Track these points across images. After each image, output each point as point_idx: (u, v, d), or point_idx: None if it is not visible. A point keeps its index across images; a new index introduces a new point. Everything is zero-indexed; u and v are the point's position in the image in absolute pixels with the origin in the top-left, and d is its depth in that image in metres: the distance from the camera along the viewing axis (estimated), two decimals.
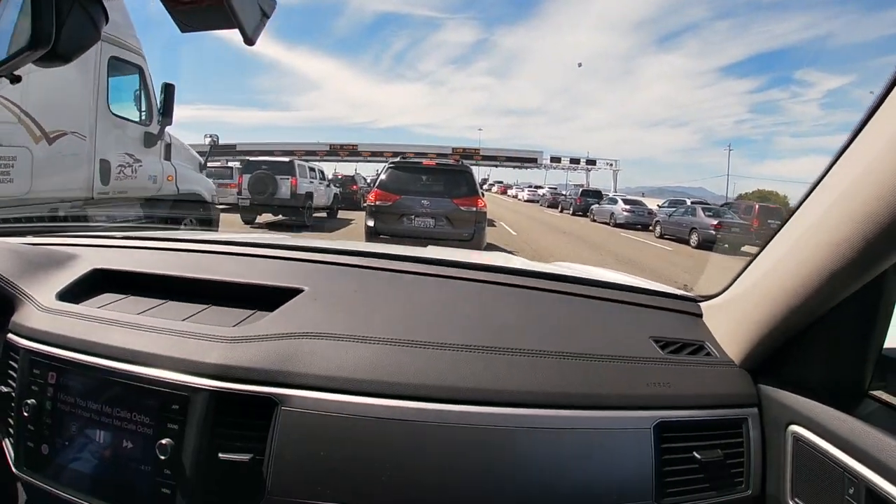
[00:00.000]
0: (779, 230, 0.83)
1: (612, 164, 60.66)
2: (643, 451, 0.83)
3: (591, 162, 60.45)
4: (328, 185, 15.69)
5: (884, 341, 0.82)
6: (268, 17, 0.76)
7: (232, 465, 0.81)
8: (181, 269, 1.17)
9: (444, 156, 43.72)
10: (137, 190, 5.73)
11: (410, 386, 0.84)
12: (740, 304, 0.94)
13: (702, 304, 1.12)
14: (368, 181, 22.40)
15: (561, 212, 30.05)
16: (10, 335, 1.04)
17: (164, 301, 1.09)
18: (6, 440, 0.99)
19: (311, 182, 13.85)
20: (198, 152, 7.49)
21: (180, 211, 6.37)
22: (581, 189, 32.42)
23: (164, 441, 0.83)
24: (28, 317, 1.04)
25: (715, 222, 14.88)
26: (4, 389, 0.99)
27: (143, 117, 5.82)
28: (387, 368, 0.86)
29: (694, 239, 15.19)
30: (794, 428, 0.83)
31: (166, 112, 5.86)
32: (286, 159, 13.79)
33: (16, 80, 0.74)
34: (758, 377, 0.94)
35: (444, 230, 7.11)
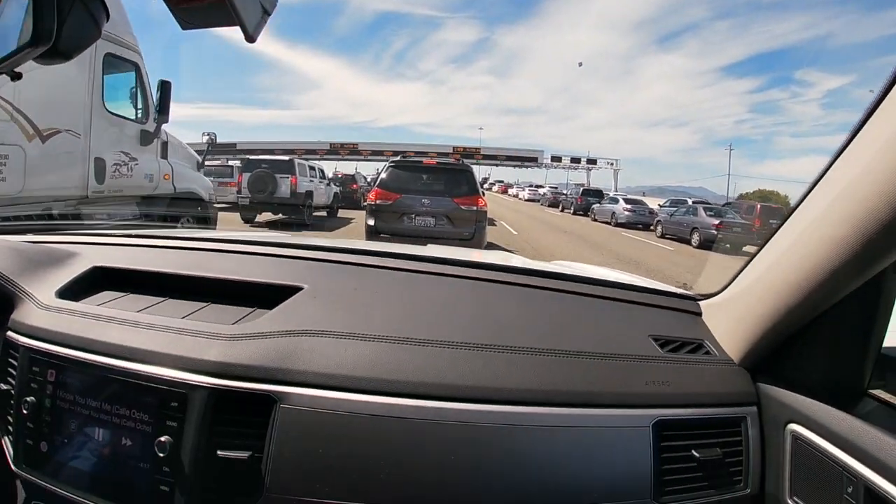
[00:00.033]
0: (778, 229, 0.83)
1: (612, 164, 60.57)
2: (642, 450, 0.83)
3: (592, 161, 60.37)
4: (328, 184, 15.63)
5: (883, 340, 0.81)
6: (269, 15, 0.75)
7: (230, 463, 0.81)
8: (181, 266, 1.17)
9: (445, 155, 43.71)
10: (133, 189, 5.66)
11: (409, 384, 0.84)
12: (739, 303, 0.94)
13: (701, 303, 1.12)
14: (369, 180, 22.33)
15: (562, 211, 29.99)
16: (9, 333, 1.04)
17: (163, 299, 1.09)
18: (5, 438, 0.99)
19: (311, 181, 13.79)
20: (197, 151, 7.40)
21: (177, 210, 6.31)
22: (582, 188, 32.34)
23: (162, 438, 0.83)
24: (28, 314, 1.04)
25: (717, 222, 14.82)
26: (4, 387, 0.99)
27: (140, 115, 5.75)
28: (386, 366, 0.86)
29: (696, 239, 15.12)
30: (793, 426, 0.83)
31: (163, 110, 5.78)
32: (286, 158, 13.71)
33: (16, 77, 0.73)
34: (757, 376, 0.94)
35: (445, 229, 7.08)
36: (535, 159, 60.88)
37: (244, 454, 0.80)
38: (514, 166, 63.42)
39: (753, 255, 0.91)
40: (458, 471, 0.79)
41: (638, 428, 0.85)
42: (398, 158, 8.00)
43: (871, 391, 0.84)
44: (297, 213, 12.75)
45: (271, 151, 34.13)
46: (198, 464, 0.82)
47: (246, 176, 12.54)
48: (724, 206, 18.75)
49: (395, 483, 0.79)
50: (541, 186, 47.91)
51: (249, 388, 0.84)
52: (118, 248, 1.36)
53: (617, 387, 0.88)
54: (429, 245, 1.79)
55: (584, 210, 26.10)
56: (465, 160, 9.16)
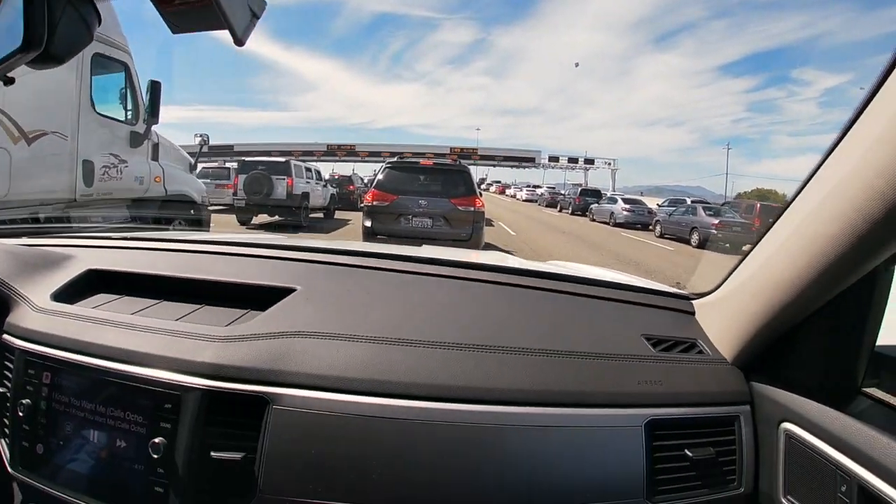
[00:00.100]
0: (770, 227, 0.83)
1: (610, 164, 60.54)
2: (635, 449, 0.83)
3: (590, 161, 60.34)
4: (325, 186, 15.54)
5: (876, 338, 0.81)
6: (258, 18, 0.75)
7: (224, 464, 0.81)
8: (175, 269, 1.18)
9: (442, 155, 43.66)
10: (123, 191, 5.54)
11: (401, 384, 0.84)
12: (732, 302, 0.94)
13: (694, 302, 1.12)
14: (366, 181, 22.23)
15: (560, 211, 29.88)
16: (4, 336, 1.04)
17: (157, 301, 1.10)
18: (1, 440, 1.00)
19: (308, 182, 13.70)
20: (192, 153, 7.28)
21: (169, 212, 6.19)
22: (580, 188, 32.23)
23: (157, 440, 0.83)
24: (23, 317, 1.04)
25: (716, 221, 14.70)
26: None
27: (129, 116, 5.63)
28: (378, 367, 0.86)
29: (695, 238, 15.03)
30: (787, 425, 0.83)
31: (153, 111, 5.65)
32: (282, 159, 13.64)
33: (9, 81, 0.73)
34: (750, 375, 0.94)
35: (442, 230, 7.06)
36: (532, 159, 60.84)
37: (237, 455, 0.81)
38: (512, 167, 63.39)
39: (746, 254, 0.91)
40: (451, 471, 0.79)
41: (630, 427, 0.84)
42: (395, 159, 7.99)
43: (864, 390, 0.82)
44: (293, 215, 12.65)
45: (268, 153, 34.01)
46: (191, 465, 0.82)
47: (242, 177, 12.43)
48: (723, 205, 18.67)
49: (387, 483, 0.79)
50: (538, 187, 47.91)
51: (242, 390, 0.84)
52: (113, 251, 1.36)
53: (609, 386, 0.88)
54: (423, 246, 1.77)
55: (582, 210, 25.97)
56: (463, 161, 9.10)
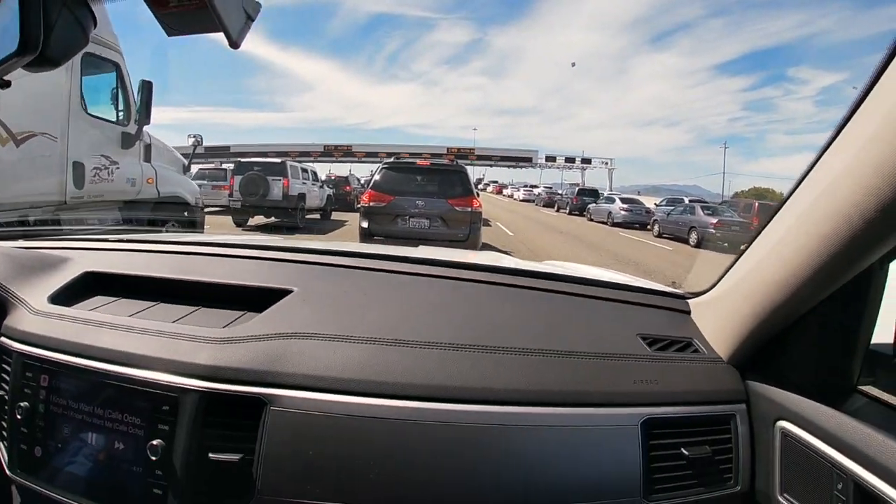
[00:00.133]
0: (765, 226, 0.83)
1: (607, 163, 60.51)
2: (631, 448, 0.83)
3: (587, 161, 60.28)
4: (321, 187, 15.43)
5: (871, 336, 0.81)
6: (252, 20, 0.75)
7: (222, 465, 0.81)
8: (172, 271, 1.18)
9: (439, 156, 43.55)
10: (115, 193, 5.44)
11: (398, 385, 0.84)
12: (728, 301, 0.94)
13: (690, 301, 1.12)
14: (362, 182, 22.14)
15: (557, 211, 29.81)
16: (2, 338, 1.04)
17: (154, 303, 1.10)
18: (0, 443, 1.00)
19: (304, 183, 13.59)
20: (185, 154, 7.17)
21: (162, 214, 6.09)
22: (578, 188, 32.16)
23: (154, 442, 0.83)
24: (20, 320, 1.04)
25: (714, 221, 14.65)
26: None
27: (121, 117, 5.52)
28: (374, 368, 0.86)
29: (693, 238, 14.96)
30: (783, 424, 0.83)
31: (144, 111, 5.56)
32: (278, 160, 13.56)
33: (5, 85, 0.73)
34: (746, 373, 0.94)
35: (439, 231, 7.04)
36: (529, 159, 60.74)
37: (235, 456, 0.81)
38: (509, 167, 63.28)
39: (741, 253, 0.90)
40: (447, 471, 0.80)
41: (626, 426, 0.85)
42: (392, 160, 7.98)
43: (860, 387, 0.83)
44: (289, 217, 12.55)
45: (265, 154, 33.87)
46: (189, 466, 0.82)
47: (237, 179, 12.32)
48: (721, 204, 18.64)
49: (384, 484, 0.79)
50: (535, 186, 47.98)
51: (239, 391, 0.84)
52: (109, 253, 1.36)
53: (605, 386, 0.88)
54: (420, 247, 1.78)
55: (579, 210, 25.90)
56: (460, 161, 9.05)
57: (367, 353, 0.89)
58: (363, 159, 54.75)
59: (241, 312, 1.04)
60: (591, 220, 22.67)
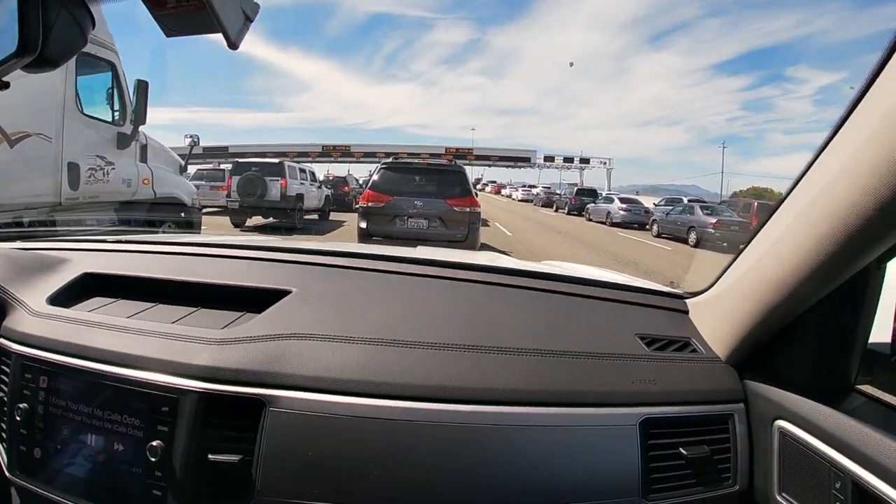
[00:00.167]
0: (762, 226, 0.83)
1: (605, 163, 60.54)
2: (629, 448, 0.84)
3: (585, 161, 60.31)
4: (319, 187, 15.39)
5: (869, 335, 0.81)
6: (251, 21, 0.75)
7: (221, 466, 0.81)
8: (170, 272, 1.18)
9: (438, 156, 43.51)
10: (110, 194, 5.40)
11: (397, 385, 0.84)
12: (725, 301, 0.95)
13: (688, 301, 1.13)
14: (361, 182, 22.10)
15: (556, 211, 29.81)
16: (1, 339, 1.04)
17: (153, 304, 1.10)
18: None
19: (302, 183, 13.55)
20: (182, 155, 7.12)
21: (158, 215, 6.05)
22: (576, 188, 32.14)
23: (154, 443, 0.83)
24: (19, 321, 1.04)
25: (714, 220, 14.63)
26: None
27: (117, 117, 5.48)
28: (374, 368, 0.86)
29: (693, 238, 14.94)
30: (781, 423, 0.83)
31: (140, 111, 5.51)
32: (276, 160, 13.49)
33: (4, 86, 0.73)
34: (744, 373, 0.94)
35: (438, 231, 7.02)
36: (527, 159, 60.76)
37: (235, 457, 0.81)
38: (507, 166, 63.29)
39: (739, 253, 0.91)
40: (447, 471, 0.80)
41: (625, 426, 0.85)
42: (390, 160, 7.98)
43: (857, 387, 0.83)
44: (287, 217, 12.51)
45: (263, 154, 33.86)
46: (189, 468, 0.82)
47: (235, 179, 12.26)
48: (720, 203, 18.63)
49: (383, 484, 0.79)
50: (534, 186, 47.88)
51: (239, 392, 0.84)
52: (108, 255, 1.36)
53: (604, 386, 0.89)
54: (418, 247, 1.78)
55: (578, 210, 25.88)
56: (458, 161, 9.04)
57: (366, 354, 0.89)
58: (362, 159, 54.70)
59: (240, 313, 1.04)
60: (590, 220, 22.65)
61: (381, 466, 0.79)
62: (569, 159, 60.73)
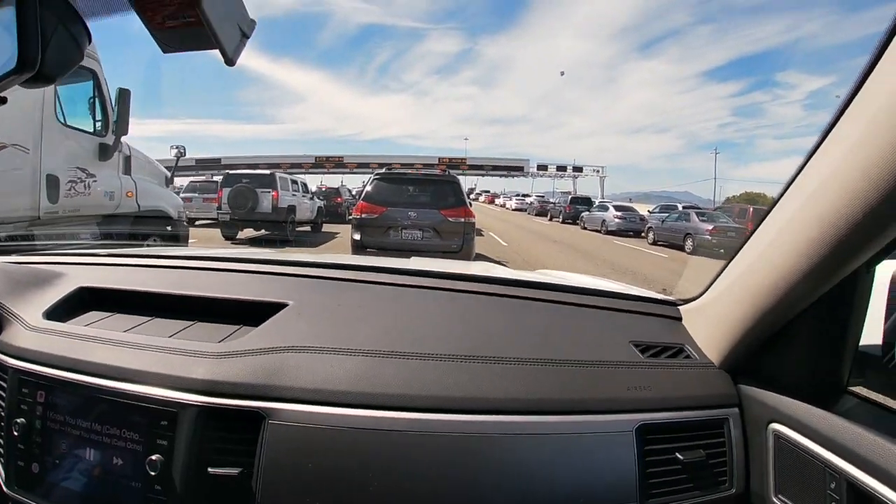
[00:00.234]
0: (753, 232, 0.85)
1: (598, 171, 60.83)
2: (626, 454, 0.84)
3: (578, 169, 60.64)
4: (312, 199, 15.25)
5: (860, 338, 0.82)
6: (247, 38, 0.75)
7: (221, 479, 0.81)
8: (166, 285, 1.18)
9: (431, 166, 43.58)
10: (92, 208, 5.18)
11: (395, 396, 0.85)
12: (718, 307, 0.96)
13: (681, 308, 1.14)
14: (354, 193, 21.96)
15: (550, 220, 29.72)
16: None
17: (150, 318, 1.09)
18: None
19: (294, 195, 13.39)
20: (168, 167, 6.93)
21: (143, 228, 5.85)
22: (571, 196, 32.17)
23: (153, 457, 0.83)
24: (15, 336, 1.04)
25: (710, 227, 14.58)
26: None
27: (98, 127, 5.28)
28: (371, 380, 0.87)
29: (689, 245, 14.87)
30: (775, 426, 0.84)
31: (121, 121, 5.31)
32: (267, 172, 13.37)
33: (1, 101, 0.71)
34: (738, 377, 0.95)
35: (432, 242, 6.95)
36: (521, 168, 61.01)
37: (234, 470, 0.81)
38: (501, 176, 63.55)
39: (730, 259, 0.92)
40: (445, 481, 0.80)
41: (621, 433, 0.85)
42: (383, 171, 7.89)
43: (850, 388, 0.84)
44: (279, 229, 12.36)
45: (256, 166, 33.71)
46: (189, 481, 0.82)
47: (226, 191, 12.05)
48: (715, 209, 18.60)
49: (383, 495, 0.79)
50: (528, 195, 47.95)
51: (238, 405, 0.85)
52: (103, 268, 1.36)
53: (599, 393, 0.89)
54: (413, 258, 1.80)
55: (572, 218, 25.80)
56: (451, 171, 8.94)
57: (364, 366, 0.89)
58: (355, 170, 54.80)
59: (237, 327, 1.04)
60: (585, 228, 22.58)
61: (380, 477, 0.79)
62: (562, 168, 61.05)
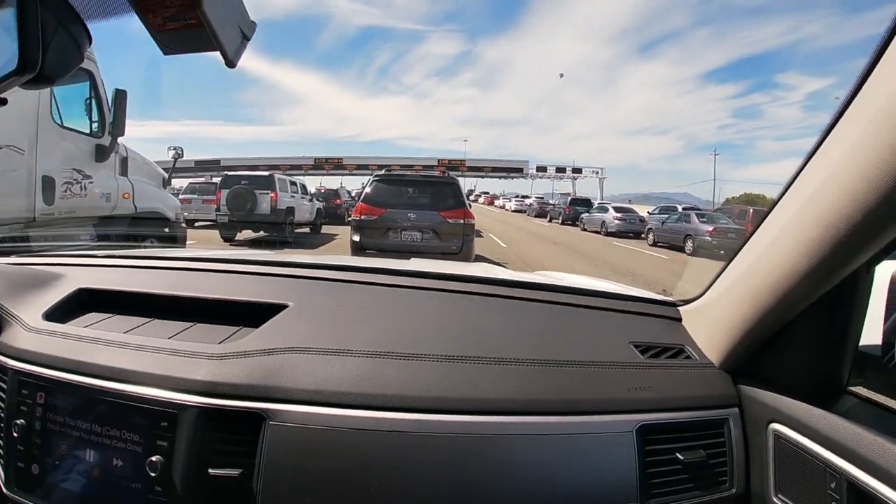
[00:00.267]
0: (753, 232, 0.85)
1: (598, 172, 60.80)
2: (627, 454, 0.84)
3: (577, 170, 60.58)
4: (311, 200, 15.20)
5: (860, 338, 0.82)
6: (248, 40, 0.74)
7: (222, 481, 0.81)
8: (166, 287, 1.18)
9: (430, 168, 43.55)
10: (88, 209, 5.13)
11: (395, 397, 0.85)
12: (718, 307, 0.96)
13: (681, 308, 1.14)
14: (353, 194, 21.91)
15: (549, 221, 29.69)
16: None
17: (149, 319, 1.10)
18: None
19: (293, 197, 13.33)
20: (166, 168, 6.88)
21: (140, 230, 5.79)
22: (570, 198, 32.16)
23: (153, 458, 0.83)
24: (15, 337, 1.04)
25: (711, 228, 14.56)
26: None
27: (95, 128, 5.23)
28: (372, 381, 0.87)
29: (689, 246, 14.83)
30: (775, 426, 0.84)
31: (118, 122, 5.25)
32: (266, 173, 13.28)
33: (1, 102, 0.71)
34: (738, 378, 0.95)
35: (432, 244, 6.94)
36: (520, 170, 60.97)
37: (235, 472, 0.81)
38: (500, 177, 63.50)
39: (730, 260, 0.92)
40: (447, 482, 0.80)
41: (622, 433, 0.86)
42: (383, 172, 7.89)
43: (850, 388, 0.84)
44: (278, 231, 12.32)
45: (255, 167, 33.67)
46: (189, 483, 0.82)
47: (224, 193, 11.99)
48: (716, 211, 18.58)
49: (384, 496, 0.79)
50: (527, 197, 47.92)
51: (238, 407, 0.84)
52: (103, 269, 1.36)
53: (600, 394, 0.90)
54: (412, 259, 1.80)
55: (572, 220, 25.78)
56: (451, 172, 8.93)
57: (364, 367, 0.89)
58: (354, 172, 54.73)
59: (237, 328, 1.04)
60: (585, 229, 22.56)
61: (381, 478, 0.79)
62: (561, 169, 60.98)
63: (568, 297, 1.18)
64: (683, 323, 1.10)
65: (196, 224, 14.50)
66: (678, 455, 0.86)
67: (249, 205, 11.76)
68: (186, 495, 0.82)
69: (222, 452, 0.83)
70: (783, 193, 0.76)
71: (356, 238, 7.01)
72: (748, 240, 0.86)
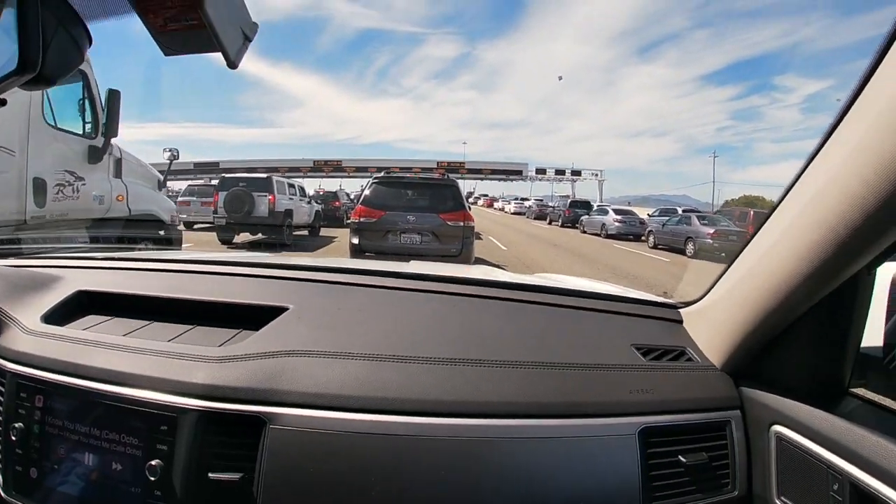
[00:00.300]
0: (754, 235, 0.85)
1: (597, 175, 60.81)
2: (629, 457, 0.84)
3: (577, 173, 60.61)
4: (309, 202, 15.13)
5: (861, 340, 0.82)
6: (250, 41, 0.74)
7: (222, 484, 0.80)
8: (165, 289, 1.17)
9: (430, 170, 43.52)
10: (81, 212, 5.03)
11: (396, 401, 0.84)
12: (719, 309, 0.96)
13: (682, 311, 1.13)
14: (352, 197, 21.84)
15: (549, 223, 29.65)
16: None
17: (149, 322, 1.09)
18: None
19: (291, 199, 13.26)
20: (161, 171, 6.79)
21: (135, 233, 5.70)
22: (570, 200, 32.14)
23: (153, 462, 0.83)
24: (13, 340, 1.03)
25: (711, 230, 14.51)
26: None
27: (88, 129, 5.13)
28: (372, 384, 0.86)
29: (690, 248, 14.79)
30: (777, 428, 0.84)
31: (111, 123, 5.16)
32: (263, 175, 13.20)
33: (1, 103, 0.71)
34: (739, 380, 0.95)
35: (431, 246, 6.90)
36: (519, 172, 60.99)
37: (235, 476, 0.80)
38: (499, 180, 63.52)
39: (731, 262, 0.92)
40: (448, 485, 0.79)
41: (624, 436, 0.85)
42: (382, 175, 7.89)
43: (852, 390, 0.84)
44: (276, 233, 12.22)
45: (254, 170, 33.56)
46: (189, 486, 0.81)
47: (222, 195, 11.91)
48: (716, 213, 18.53)
49: (385, 499, 0.78)
50: (526, 199, 47.95)
51: (238, 410, 0.84)
52: (102, 272, 1.35)
53: (601, 396, 0.89)
54: (412, 262, 1.81)
55: (572, 222, 25.73)
56: (450, 175, 8.86)
57: (364, 370, 0.88)
58: (353, 174, 54.69)
59: (237, 331, 1.03)
60: (585, 232, 22.51)
61: (382, 481, 0.79)
62: (560, 171, 61.01)
63: (568, 300, 1.18)
64: (685, 325, 1.10)
65: (195, 226, 14.41)
66: (680, 457, 0.86)
67: (247, 207, 11.69)
68: (186, 500, 0.81)
69: (222, 456, 0.82)
70: (784, 196, 0.76)
71: (355, 240, 6.94)
72: (749, 242, 0.86)
